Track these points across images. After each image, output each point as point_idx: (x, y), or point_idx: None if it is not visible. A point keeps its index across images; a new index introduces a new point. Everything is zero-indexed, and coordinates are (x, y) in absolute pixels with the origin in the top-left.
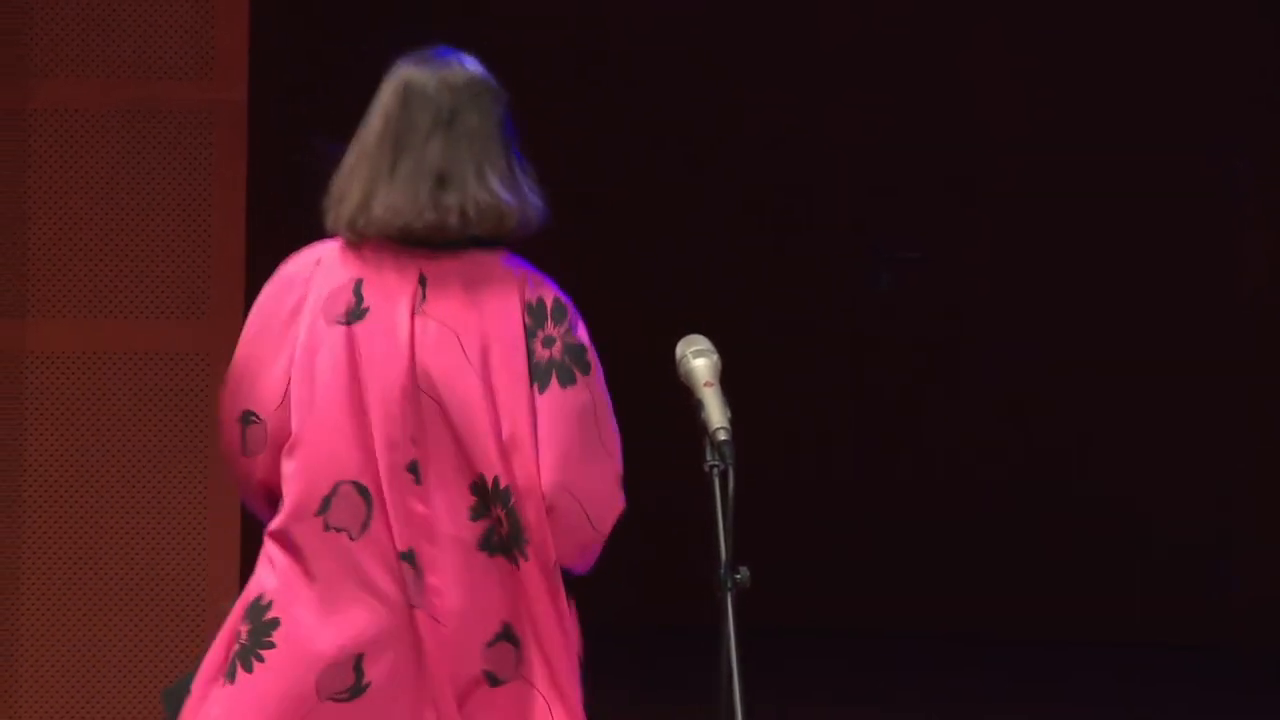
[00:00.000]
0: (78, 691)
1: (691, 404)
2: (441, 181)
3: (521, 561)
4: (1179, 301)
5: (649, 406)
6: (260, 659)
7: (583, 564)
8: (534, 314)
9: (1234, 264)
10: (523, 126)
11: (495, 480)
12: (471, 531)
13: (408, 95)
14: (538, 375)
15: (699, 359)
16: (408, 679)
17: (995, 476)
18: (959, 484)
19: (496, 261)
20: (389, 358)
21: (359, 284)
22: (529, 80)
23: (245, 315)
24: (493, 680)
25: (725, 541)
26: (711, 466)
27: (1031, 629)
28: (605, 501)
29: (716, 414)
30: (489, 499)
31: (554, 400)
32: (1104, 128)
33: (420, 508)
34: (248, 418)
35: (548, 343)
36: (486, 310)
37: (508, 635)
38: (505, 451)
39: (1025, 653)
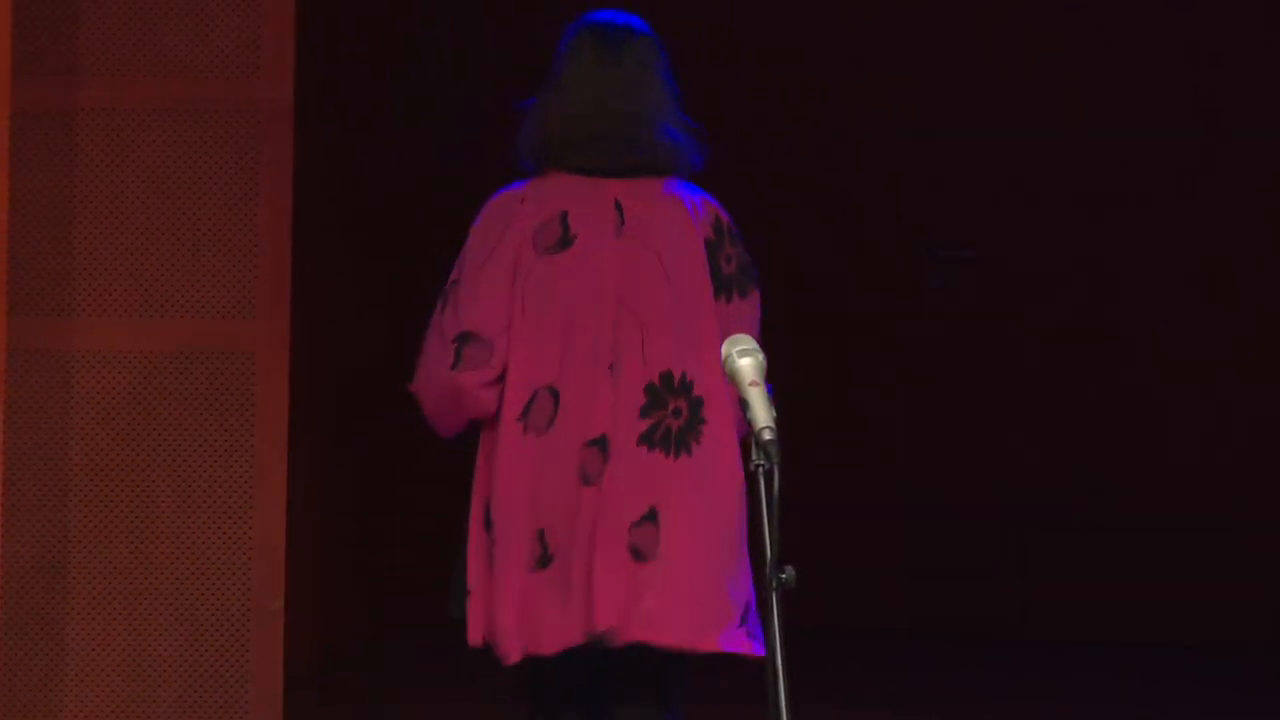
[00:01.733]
0: (123, 690)
1: (737, 403)
2: (613, 120)
3: (687, 453)
4: (1188, 296)
5: None
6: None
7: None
8: (716, 231)
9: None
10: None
11: (682, 375)
12: (637, 428)
13: (578, 45)
14: (723, 287)
15: (744, 358)
16: (581, 547)
17: (996, 479)
18: (962, 486)
19: (673, 187)
20: (597, 278)
21: (564, 215)
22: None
23: (292, 314)
24: (637, 555)
25: (771, 541)
26: (757, 466)
27: (1031, 629)
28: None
29: (762, 413)
30: (668, 395)
31: (736, 308)
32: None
33: (614, 402)
34: (466, 338)
35: (728, 260)
36: (676, 230)
37: (651, 517)
38: (695, 351)
39: (1025, 653)
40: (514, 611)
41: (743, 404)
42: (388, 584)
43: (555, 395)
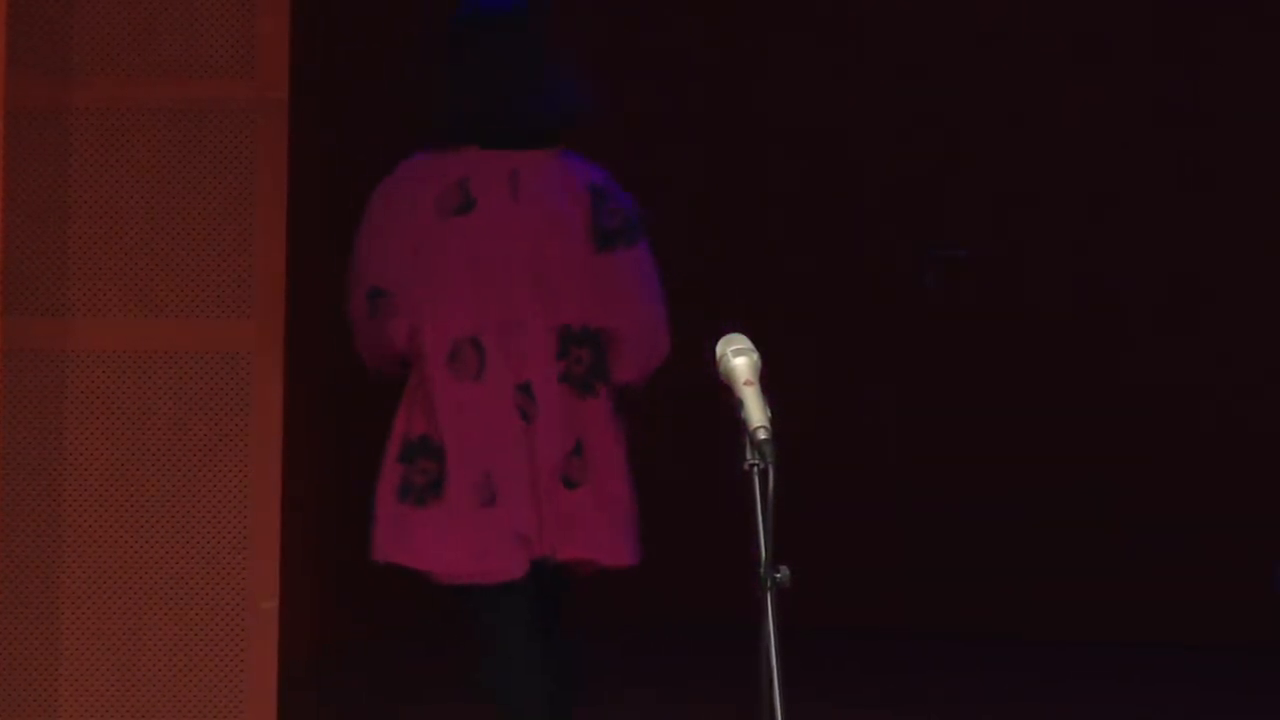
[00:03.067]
0: (119, 689)
1: (731, 402)
2: (497, 89)
3: (593, 394)
4: (1188, 296)
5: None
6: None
7: (641, 381)
8: (596, 193)
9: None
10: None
11: (584, 326)
12: (556, 368)
13: (464, 21)
14: (607, 240)
15: (739, 357)
16: (526, 478)
17: (996, 479)
18: (962, 486)
19: (557, 156)
20: (500, 240)
21: (464, 182)
22: None
23: (289, 315)
24: (568, 483)
25: (765, 540)
26: (751, 465)
27: (1031, 629)
28: (660, 334)
29: (756, 412)
30: (572, 342)
31: (621, 258)
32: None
33: (528, 351)
34: (375, 292)
35: (610, 215)
36: (564, 194)
37: (579, 450)
38: (591, 304)
39: (1025, 653)
40: (465, 541)
41: (737, 403)
42: (385, 584)
43: (479, 346)
